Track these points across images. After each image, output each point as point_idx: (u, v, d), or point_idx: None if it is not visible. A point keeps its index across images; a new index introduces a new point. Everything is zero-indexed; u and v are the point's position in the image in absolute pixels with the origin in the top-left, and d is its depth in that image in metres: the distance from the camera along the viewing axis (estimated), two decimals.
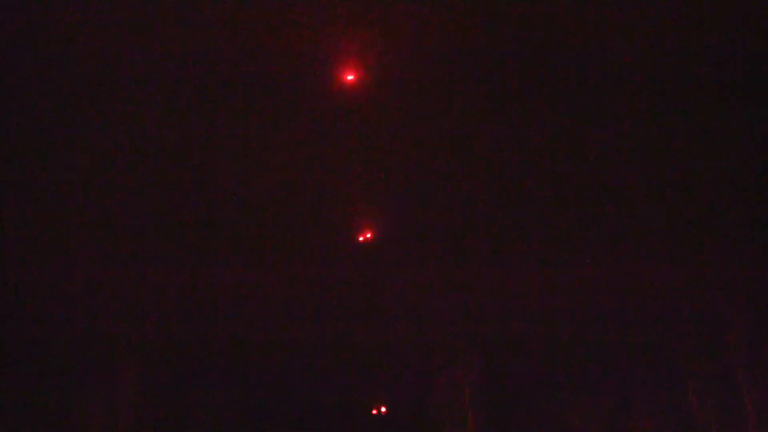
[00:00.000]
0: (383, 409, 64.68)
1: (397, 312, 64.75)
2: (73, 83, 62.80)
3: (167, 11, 59.93)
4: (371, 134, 65.10)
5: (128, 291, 62.22)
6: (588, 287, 63.04)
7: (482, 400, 60.84)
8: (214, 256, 64.60)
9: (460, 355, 61.81)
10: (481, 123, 64.72)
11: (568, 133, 63.07)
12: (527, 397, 61.87)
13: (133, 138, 63.35)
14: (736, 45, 59.62)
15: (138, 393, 59.36)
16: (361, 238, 65.32)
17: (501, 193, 65.05)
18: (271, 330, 63.61)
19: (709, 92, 61.67)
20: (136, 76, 63.84)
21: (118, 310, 61.84)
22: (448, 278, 64.89)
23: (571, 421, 60.31)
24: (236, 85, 64.47)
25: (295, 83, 64.57)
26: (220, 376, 62.29)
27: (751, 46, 59.49)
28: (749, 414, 56.31)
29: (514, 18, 62.28)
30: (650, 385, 59.25)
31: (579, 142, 63.11)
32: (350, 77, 65.39)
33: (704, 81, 61.44)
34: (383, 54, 65.29)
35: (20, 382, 58.26)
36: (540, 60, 63.70)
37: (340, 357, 64.21)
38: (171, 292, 63.33)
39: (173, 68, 64.46)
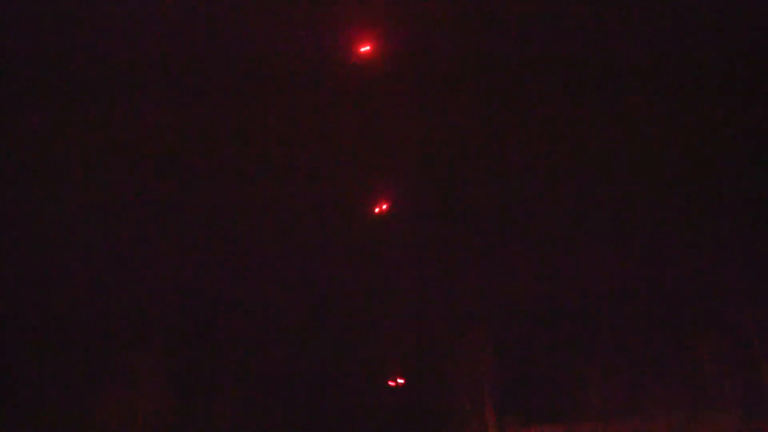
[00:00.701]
0: (400, 381, 64.78)
1: (414, 283, 64.66)
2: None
3: None
4: (386, 105, 64.87)
5: (148, 271, 63.08)
6: (607, 260, 62.69)
7: (499, 371, 60.55)
8: (233, 230, 65.06)
9: (477, 325, 61.50)
10: (496, 93, 64.29)
11: (587, 106, 62.93)
12: (544, 368, 61.57)
13: (158, 117, 64.13)
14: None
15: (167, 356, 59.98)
16: (377, 210, 65.24)
17: (519, 163, 64.63)
18: (289, 304, 63.91)
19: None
20: (167, 50, 64.58)
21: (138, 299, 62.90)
22: (465, 249, 64.66)
23: (588, 393, 60.03)
24: (254, 59, 64.57)
25: (311, 55, 64.49)
26: (240, 351, 62.69)
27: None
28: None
29: None
30: (667, 360, 58.66)
31: (597, 114, 62.91)
32: (365, 48, 65.13)
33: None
34: (397, 25, 64.88)
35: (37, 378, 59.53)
36: (556, 31, 63.32)
37: (357, 330, 64.29)
38: (192, 268, 63.93)
39: (200, 42, 64.95)
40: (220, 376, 62.01)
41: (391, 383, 64.66)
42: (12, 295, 61.28)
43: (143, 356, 59.09)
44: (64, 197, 63.50)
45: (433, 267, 64.68)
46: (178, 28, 65.07)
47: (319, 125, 64.72)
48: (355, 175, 64.85)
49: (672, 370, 58.30)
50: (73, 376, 59.78)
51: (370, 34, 64.46)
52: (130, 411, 58.20)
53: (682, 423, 57.00)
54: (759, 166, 61.56)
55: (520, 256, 64.23)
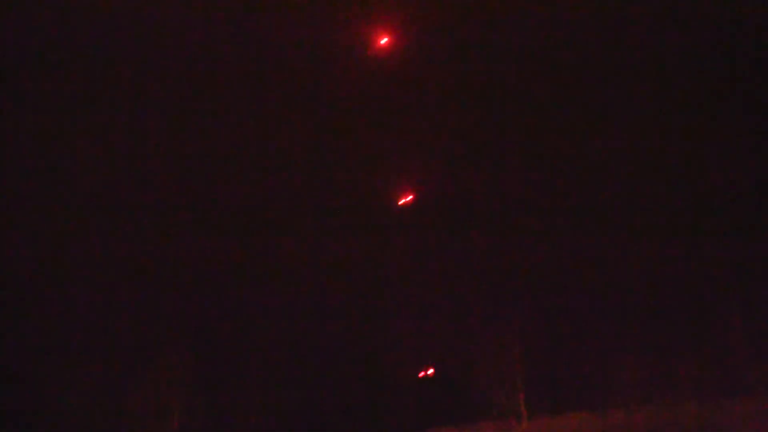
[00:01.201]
0: (431, 371, 64.80)
1: (441, 272, 64.61)
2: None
3: None
4: (407, 97, 64.84)
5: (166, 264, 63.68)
6: (636, 245, 62.36)
7: (529, 358, 60.41)
8: (259, 224, 65.36)
9: (506, 313, 61.38)
10: (518, 83, 64.02)
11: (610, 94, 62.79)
12: (574, 355, 61.35)
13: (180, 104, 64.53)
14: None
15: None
16: (401, 201, 65.21)
17: (548, 153, 64.32)
18: (316, 297, 64.15)
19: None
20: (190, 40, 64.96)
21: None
22: (491, 237, 64.49)
23: (618, 379, 59.73)
24: (274, 49, 64.78)
25: (331, 48, 64.56)
26: (267, 343, 63.02)
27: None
28: None
29: None
30: (697, 345, 58.14)
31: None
32: (384, 41, 65.06)
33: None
34: (418, 16, 64.77)
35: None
36: (586, 20, 63.01)
37: (386, 321, 64.40)
38: (219, 263, 64.32)
39: (221, 34, 65.26)
40: (250, 370, 62.41)
41: (420, 374, 64.74)
42: (41, 293, 62.20)
43: (176, 354, 59.77)
44: (93, 194, 64.21)
45: (460, 256, 64.59)
46: (205, 18, 65.46)
47: (340, 117, 64.82)
48: (379, 167, 64.87)
49: (702, 355, 57.83)
50: (106, 374, 60.47)
51: (390, 26, 64.40)
52: (165, 408, 58.91)
53: (713, 408, 56.56)
54: None
55: (549, 243, 63.98)
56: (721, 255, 60.12)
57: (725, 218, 61.12)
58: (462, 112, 64.09)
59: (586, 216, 63.30)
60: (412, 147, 64.46)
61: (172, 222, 63.84)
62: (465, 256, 64.46)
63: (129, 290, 62.46)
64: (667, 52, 63.11)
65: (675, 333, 59.80)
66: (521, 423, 59.50)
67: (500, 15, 63.25)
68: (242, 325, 63.18)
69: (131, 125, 64.61)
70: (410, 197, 64.91)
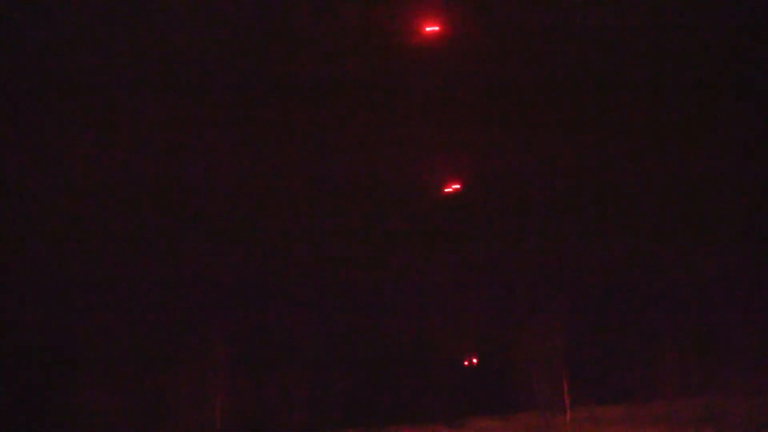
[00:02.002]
0: (474, 360, 64.86)
1: (485, 262, 64.60)
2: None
3: None
4: (455, 84, 64.72)
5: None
6: (680, 238, 62.20)
7: (572, 349, 60.26)
8: (304, 214, 65.60)
9: (550, 304, 61.25)
10: (563, 70, 63.70)
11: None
12: (618, 346, 61.22)
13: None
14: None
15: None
16: (448, 189, 65.17)
17: (589, 143, 64.12)
18: (362, 286, 64.30)
19: None
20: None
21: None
22: (536, 228, 64.41)
23: (662, 371, 59.55)
24: (321, 38, 64.85)
25: (379, 35, 64.50)
26: (314, 334, 63.26)
27: None
28: None
29: None
30: (743, 338, 57.80)
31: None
32: (430, 29, 64.92)
33: None
34: (464, 4, 64.60)
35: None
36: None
37: (431, 310, 64.51)
38: (265, 252, 64.65)
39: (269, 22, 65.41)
40: (294, 359, 62.65)
41: (465, 363, 64.82)
42: (88, 281, 62.75)
43: (220, 341, 60.08)
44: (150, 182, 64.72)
45: (504, 246, 64.52)
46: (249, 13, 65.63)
47: (386, 106, 64.80)
48: (425, 156, 64.83)
49: (749, 349, 57.49)
50: (152, 361, 60.91)
51: (436, 14, 64.26)
52: (209, 395, 59.29)
53: (759, 403, 56.24)
54: None
55: (595, 235, 63.87)
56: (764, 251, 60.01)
57: None
58: (508, 101, 63.93)
59: (633, 209, 63.23)
60: (457, 136, 64.38)
61: (216, 216, 64.42)
62: (509, 246, 64.44)
63: (172, 283, 63.05)
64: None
65: (721, 326, 59.61)
66: (564, 414, 59.41)
67: (548, 3, 63.22)
68: (288, 318, 63.43)
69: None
70: (456, 186, 64.91)
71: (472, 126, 64.10)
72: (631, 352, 60.47)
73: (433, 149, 64.85)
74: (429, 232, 64.90)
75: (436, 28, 64.11)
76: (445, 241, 65.01)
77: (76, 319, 61.69)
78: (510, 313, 62.88)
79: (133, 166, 63.72)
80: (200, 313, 61.65)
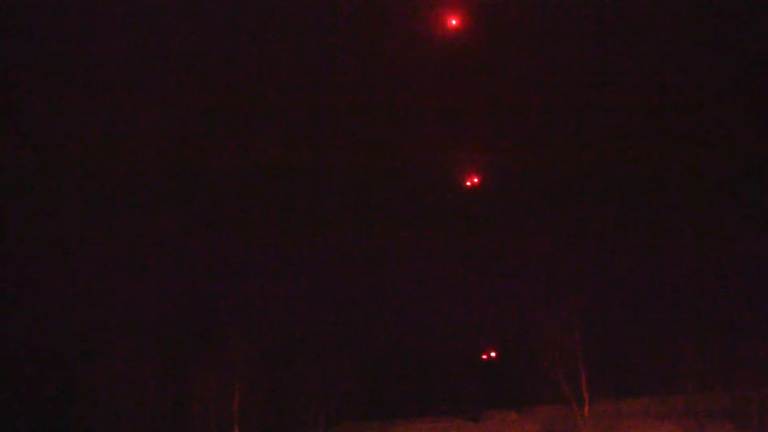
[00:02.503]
0: (493, 354, 65.06)
1: (505, 256, 64.78)
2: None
3: None
4: (477, 79, 64.98)
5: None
6: (699, 231, 62.42)
7: (592, 343, 60.32)
8: (325, 208, 65.80)
9: (570, 297, 61.36)
10: (588, 66, 64.00)
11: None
12: (638, 339, 61.29)
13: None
14: None
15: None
16: (468, 183, 65.38)
17: (611, 139, 64.34)
18: (380, 279, 64.51)
19: None
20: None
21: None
22: (556, 222, 64.64)
23: (682, 365, 59.54)
24: (340, 31, 65.13)
25: (402, 29, 64.77)
26: (332, 328, 63.38)
27: None
28: None
29: None
30: (763, 332, 57.85)
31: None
32: (454, 22, 65.20)
33: None
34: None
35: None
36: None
37: (450, 303, 64.71)
38: (286, 245, 64.86)
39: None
40: (312, 352, 62.70)
41: (483, 356, 65.02)
42: (107, 275, 63.08)
43: (239, 334, 60.16)
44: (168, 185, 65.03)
45: (524, 240, 64.71)
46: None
47: (410, 98, 65.05)
48: (446, 149, 65.06)
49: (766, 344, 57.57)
50: (170, 353, 61.07)
51: (459, 8, 64.52)
52: (227, 388, 59.37)
53: None
54: None
55: (613, 229, 64.11)
56: None
57: None
58: (530, 96, 64.19)
59: (652, 204, 63.44)
60: (479, 130, 64.65)
61: (235, 208, 64.70)
62: (529, 240, 64.64)
63: (190, 281, 63.35)
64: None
65: (738, 321, 59.69)
66: (583, 407, 59.50)
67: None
68: (308, 311, 63.63)
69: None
70: (476, 180, 65.15)
71: (496, 120, 64.45)
72: (650, 346, 60.44)
73: (454, 143, 65.15)
74: (449, 226, 65.13)
75: (457, 23, 64.50)
76: (465, 235, 65.21)
77: (94, 316, 62.08)
78: (529, 307, 62.99)
79: (151, 164, 64.12)
80: (218, 310, 62.02)
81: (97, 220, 64.45)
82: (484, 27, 64.38)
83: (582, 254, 63.63)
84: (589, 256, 63.51)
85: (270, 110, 65.21)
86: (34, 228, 63.04)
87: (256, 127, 65.08)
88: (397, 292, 64.52)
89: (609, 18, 63.22)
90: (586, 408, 59.49)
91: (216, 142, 64.56)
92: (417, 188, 65.16)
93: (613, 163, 63.89)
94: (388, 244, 64.94)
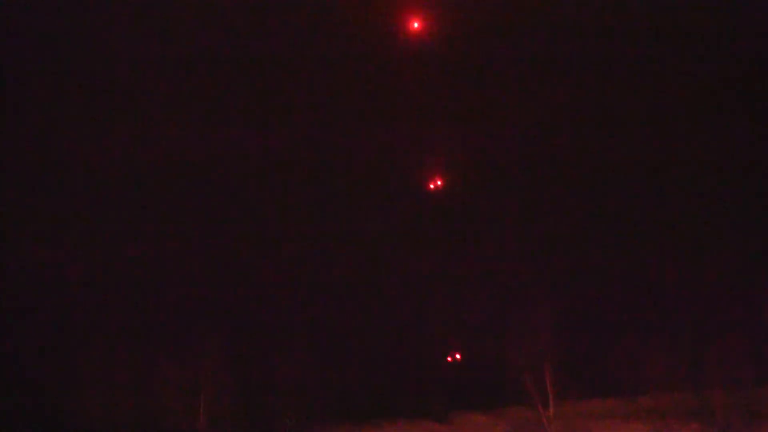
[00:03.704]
0: (458, 356, 65.03)
1: (471, 257, 64.75)
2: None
3: None
4: (439, 82, 64.72)
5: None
6: (666, 233, 62.81)
7: (558, 344, 60.48)
8: (287, 208, 65.41)
9: (536, 299, 61.47)
10: (548, 68, 64.00)
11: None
12: (604, 341, 61.61)
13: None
14: None
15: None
16: (431, 185, 65.21)
17: (572, 136, 64.45)
18: (343, 281, 64.22)
19: None
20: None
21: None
22: (521, 223, 64.67)
23: (648, 366, 59.96)
24: (299, 34, 64.65)
25: (363, 31, 64.35)
26: (299, 327, 63.07)
27: None
28: None
29: None
30: (729, 333, 58.26)
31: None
32: (416, 25, 64.89)
33: None
34: (449, 1, 64.64)
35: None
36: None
37: (414, 306, 64.58)
38: (248, 247, 64.47)
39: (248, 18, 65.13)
40: (279, 353, 62.43)
41: (449, 359, 64.95)
42: (73, 277, 62.39)
43: (205, 336, 59.75)
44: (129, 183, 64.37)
45: (489, 241, 64.73)
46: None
47: (372, 100, 64.75)
48: (408, 152, 64.84)
49: (735, 343, 57.96)
50: (137, 357, 60.55)
51: (422, 11, 64.25)
52: (193, 391, 58.97)
53: (745, 396, 56.82)
54: None
55: (579, 229, 64.27)
56: (751, 244, 60.62)
57: (757, 206, 61.64)
58: (494, 97, 64.15)
59: (620, 205, 63.68)
60: (442, 132, 64.47)
61: (205, 211, 64.24)
62: (494, 242, 64.67)
63: (162, 278, 62.85)
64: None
65: (704, 320, 60.14)
66: (549, 408, 59.69)
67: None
68: (274, 309, 63.34)
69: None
70: (440, 182, 64.99)
71: (459, 122, 64.33)
72: (618, 347, 60.81)
73: (416, 145, 64.93)
74: (417, 228, 64.98)
75: (420, 25, 64.25)
76: (429, 237, 65.10)
77: (66, 315, 61.50)
78: (496, 308, 63.09)
79: (123, 163, 63.54)
80: (191, 307, 61.59)
81: (68, 218, 63.78)
82: (447, 29, 64.15)
83: (548, 256, 63.77)
84: (556, 257, 63.67)
85: (227, 110, 64.69)
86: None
87: (211, 126, 64.53)
88: (363, 294, 64.25)
89: (575, 17, 63.19)
90: (552, 409, 59.71)
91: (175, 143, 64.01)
92: (380, 191, 64.87)
93: (579, 163, 64.08)
94: (353, 247, 64.68)
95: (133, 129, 63.93)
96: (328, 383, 62.03)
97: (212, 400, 59.02)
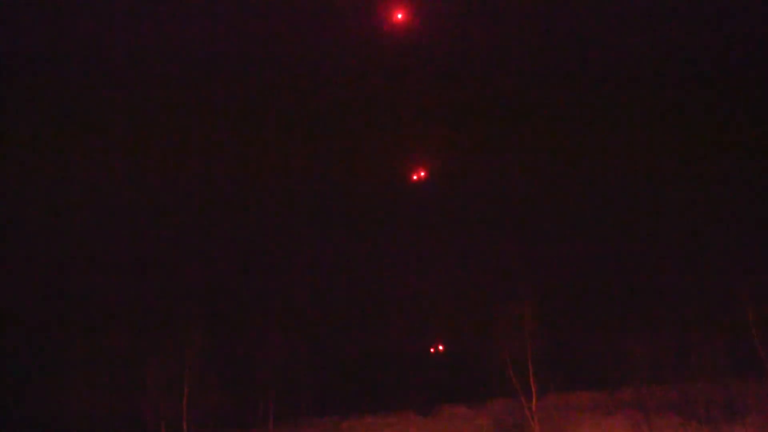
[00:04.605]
0: (441, 347, 65.21)
1: (453, 249, 64.85)
2: None
3: None
4: (423, 73, 64.69)
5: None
6: (648, 224, 62.93)
7: (541, 337, 60.53)
8: (270, 200, 65.44)
9: (519, 292, 61.48)
10: (534, 61, 63.97)
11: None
12: (587, 334, 61.77)
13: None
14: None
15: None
16: (414, 177, 65.22)
17: (555, 131, 64.52)
18: (326, 274, 64.35)
19: None
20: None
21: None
22: (506, 216, 64.79)
23: (632, 355, 60.05)
24: (282, 28, 64.56)
25: (347, 24, 64.27)
26: (281, 320, 63.15)
27: None
28: None
29: None
30: (712, 325, 58.35)
31: None
32: (400, 16, 64.74)
33: None
34: None
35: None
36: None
37: (397, 298, 64.73)
38: (229, 239, 64.60)
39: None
40: (260, 346, 62.47)
41: (431, 350, 65.13)
42: (57, 271, 62.40)
43: (188, 329, 59.72)
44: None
45: (473, 234, 64.82)
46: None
47: (354, 93, 64.71)
48: (391, 144, 64.89)
49: (717, 336, 58.09)
50: (121, 350, 60.56)
51: (405, 2, 64.11)
52: (177, 384, 58.99)
53: (727, 388, 57.04)
54: None
55: (562, 222, 64.39)
56: (735, 239, 60.70)
57: (740, 201, 61.79)
58: (477, 90, 64.11)
59: (600, 199, 63.80)
60: (425, 124, 64.46)
61: (186, 207, 64.30)
62: (476, 234, 64.78)
63: (143, 274, 62.90)
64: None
65: (686, 313, 60.24)
66: (531, 400, 59.80)
67: None
68: (257, 302, 63.43)
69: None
70: (423, 173, 64.98)
71: (443, 113, 64.33)
72: (599, 340, 60.95)
73: (399, 138, 64.97)
74: (396, 221, 65.06)
75: (403, 17, 64.14)
76: (412, 230, 65.20)
77: (45, 310, 61.58)
78: (478, 300, 63.15)
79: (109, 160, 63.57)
80: (173, 304, 61.54)
81: (49, 212, 63.81)
82: (430, 21, 64.06)
83: (530, 248, 63.84)
84: (538, 250, 63.75)
85: (210, 108, 64.60)
86: None
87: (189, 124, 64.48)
88: (346, 286, 64.43)
89: (558, 12, 63.16)
90: (535, 401, 59.82)
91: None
92: (363, 183, 64.90)
93: (560, 156, 64.15)
94: (335, 239, 64.75)
95: (109, 122, 63.92)
96: (311, 376, 62.34)
97: (195, 394, 59.13)
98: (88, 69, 64.14)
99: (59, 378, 59.22)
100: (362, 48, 64.14)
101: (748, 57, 62.73)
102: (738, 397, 57.35)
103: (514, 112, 64.25)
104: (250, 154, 64.28)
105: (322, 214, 64.83)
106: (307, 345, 63.01)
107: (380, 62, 64.32)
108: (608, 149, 64.00)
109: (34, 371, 59.85)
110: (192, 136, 64.14)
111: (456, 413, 63.36)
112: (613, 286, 62.69)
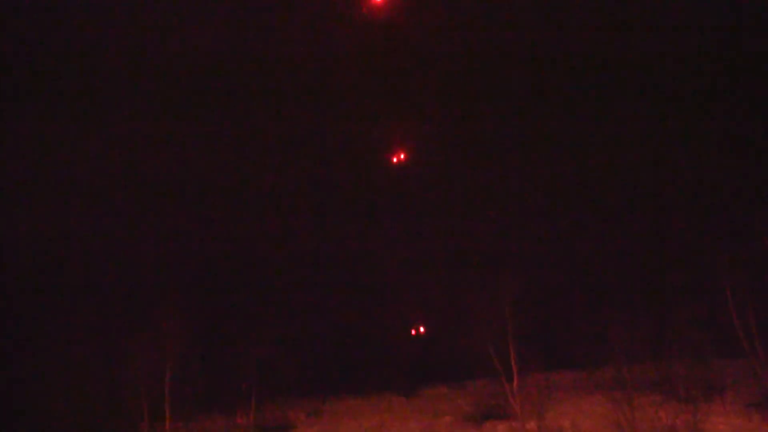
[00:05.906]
0: (422, 329, 65.39)
1: (433, 230, 65.00)
2: None
3: None
4: (404, 54, 64.71)
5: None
6: (628, 207, 63.22)
7: (522, 318, 60.70)
8: (254, 183, 65.39)
9: (500, 273, 61.61)
10: (516, 40, 64.06)
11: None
12: (567, 315, 62.04)
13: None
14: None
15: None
16: (395, 160, 65.28)
17: (537, 111, 64.69)
18: (309, 256, 64.36)
19: None
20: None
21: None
22: (487, 198, 64.95)
23: (612, 335, 60.27)
24: (261, 10, 64.46)
25: (325, 4, 64.23)
26: (262, 303, 63.15)
27: None
28: None
29: None
30: (690, 307, 58.65)
31: None
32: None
33: None
34: None
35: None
36: None
37: (378, 278, 64.82)
38: (213, 221, 64.60)
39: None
40: (244, 327, 62.37)
41: (412, 332, 65.29)
42: (41, 256, 62.16)
43: (169, 310, 59.57)
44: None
45: (453, 217, 64.98)
46: None
47: (333, 76, 64.69)
48: (372, 125, 64.87)
49: (696, 317, 58.40)
50: (103, 331, 60.45)
51: None
52: (158, 367, 58.85)
53: (704, 369, 57.39)
54: None
55: (544, 204, 64.61)
56: (714, 219, 61.07)
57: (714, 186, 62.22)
58: (457, 72, 64.23)
59: (580, 181, 64.05)
60: (406, 106, 64.52)
61: (169, 194, 64.22)
62: (457, 217, 64.94)
63: (125, 259, 62.79)
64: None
65: (666, 293, 60.57)
66: (512, 381, 59.98)
67: None
68: (237, 290, 63.44)
69: None
70: (404, 156, 65.05)
71: (423, 96, 64.35)
72: (580, 321, 61.24)
73: (380, 119, 64.96)
74: (377, 204, 65.14)
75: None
76: (392, 212, 65.30)
77: (26, 296, 61.37)
78: (459, 282, 63.32)
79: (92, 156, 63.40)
80: (153, 289, 61.46)
81: (32, 206, 63.64)
82: (411, 2, 64.05)
83: (510, 230, 64.11)
84: (518, 232, 64.04)
85: (189, 90, 64.51)
86: None
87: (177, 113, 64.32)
88: (327, 269, 64.48)
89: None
90: (516, 381, 59.99)
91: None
92: (343, 166, 64.98)
93: (542, 140, 64.32)
94: (315, 221, 64.82)
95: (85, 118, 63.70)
96: (292, 357, 62.28)
97: (176, 377, 59.02)
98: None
99: (37, 363, 59.02)
100: (341, 29, 64.15)
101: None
102: (717, 376, 57.79)
103: (497, 94, 64.37)
104: (226, 137, 64.26)
105: (300, 196, 64.81)
106: (288, 328, 62.96)
107: (360, 43, 64.28)
108: (589, 131, 64.26)
109: (12, 355, 59.57)
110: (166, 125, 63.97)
111: (437, 394, 63.59)
112: (593, 268, 62.93)
